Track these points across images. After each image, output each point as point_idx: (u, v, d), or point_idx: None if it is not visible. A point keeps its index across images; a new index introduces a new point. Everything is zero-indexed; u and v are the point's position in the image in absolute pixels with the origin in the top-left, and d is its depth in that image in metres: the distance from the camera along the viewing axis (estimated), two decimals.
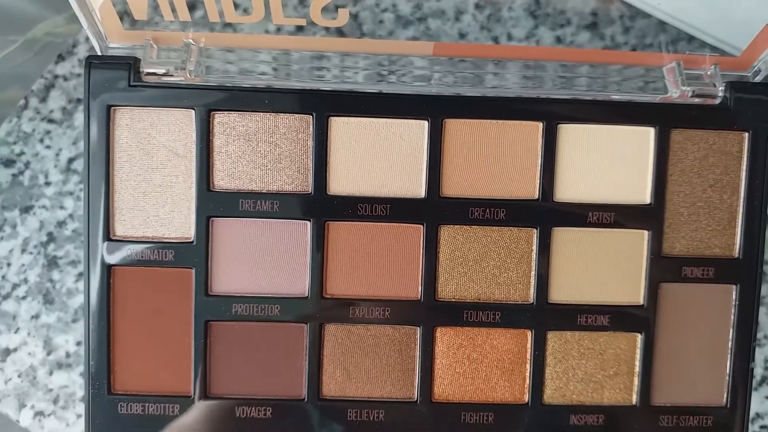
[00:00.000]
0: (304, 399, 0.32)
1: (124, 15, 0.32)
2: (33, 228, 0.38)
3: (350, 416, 0.32)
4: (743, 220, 0.32)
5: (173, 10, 0.31)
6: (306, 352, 0.32)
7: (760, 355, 0.38)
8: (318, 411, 0.32)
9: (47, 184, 0.38)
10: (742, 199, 0.32)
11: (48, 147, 0.38)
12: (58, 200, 0.38)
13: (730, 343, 0.33)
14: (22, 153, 0.38)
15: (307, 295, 0.32)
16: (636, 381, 0.33)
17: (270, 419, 0.32)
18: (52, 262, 0.38)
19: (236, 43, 0.33)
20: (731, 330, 0.33)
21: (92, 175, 0.31)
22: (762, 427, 0.37)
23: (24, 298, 0.38)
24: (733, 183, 0.32)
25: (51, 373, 0.38)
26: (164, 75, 0.31)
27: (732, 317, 0.33)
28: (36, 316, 0.38)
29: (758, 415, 0.37)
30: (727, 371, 0.33)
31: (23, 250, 0.38)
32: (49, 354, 0.38)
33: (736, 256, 0.32)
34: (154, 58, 0.32)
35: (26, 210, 0.38)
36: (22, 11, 0.35)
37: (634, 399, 0.33)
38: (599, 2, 0.38)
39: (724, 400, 0.33)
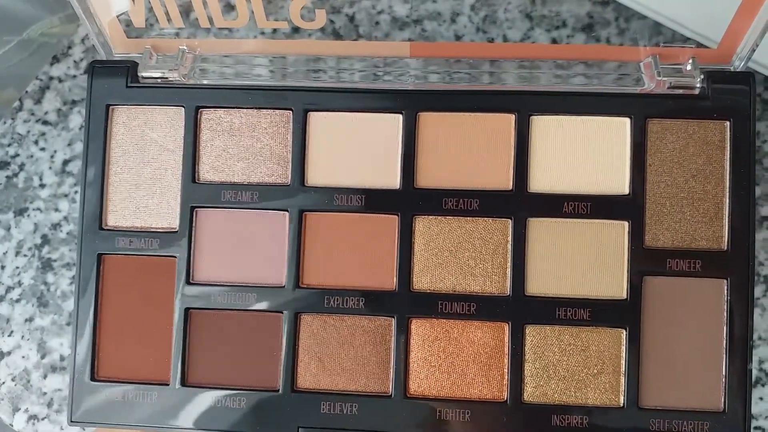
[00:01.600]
0: (278, 390, 0.35)
1: (130, 23, 0.37)
2: (27, 230, 0.42)
3: (323, 409, 0.35)
4: (729, 211, 0.34)
5: (168, 18, 0.37)
6: (282, 341, 0.35)
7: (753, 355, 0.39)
8: (292, 403, 0.35)
9: (42, 186, 0.42)
10: (727, 190, 0.34)
11: (43, 149, 0.42)
12: (53, 202, 0.42)
13: (724, 342, 0.34)
14: (16, 155, 0.42)
15: (284, 284, 0.35)
16: (622, 381, 0.34)
17: (244, 410, 0.35)
18: (47, 265, 0.42)
19: (227, 48, 0.39)
20: (725, 327, 0.34)
21: (89, 170, 0.37)
22: (756, 428, 0.38)
23: (18, 301, 0.41)
24: (717, 173, 0.35)
25: (45, 377, 0.41)
26: (159, 78, 0.37)
27: (725, 314, 0.34)
28: (30, 319, 0.41)
29: (752, 416, 0.38)
30: (723, 372, 0.34)
31: (17, 253, 0.42)
32: (43, 357, 0.41)
33: (725, 248, 0.34)
34: (152, 63, 0.37)
35: (20, 212, 0.42)
36: (18, 11, 0.40)
37: (621, 400, 0.34)
38: (594, 5, 0.42)
39: (722, 404, 0.34)
